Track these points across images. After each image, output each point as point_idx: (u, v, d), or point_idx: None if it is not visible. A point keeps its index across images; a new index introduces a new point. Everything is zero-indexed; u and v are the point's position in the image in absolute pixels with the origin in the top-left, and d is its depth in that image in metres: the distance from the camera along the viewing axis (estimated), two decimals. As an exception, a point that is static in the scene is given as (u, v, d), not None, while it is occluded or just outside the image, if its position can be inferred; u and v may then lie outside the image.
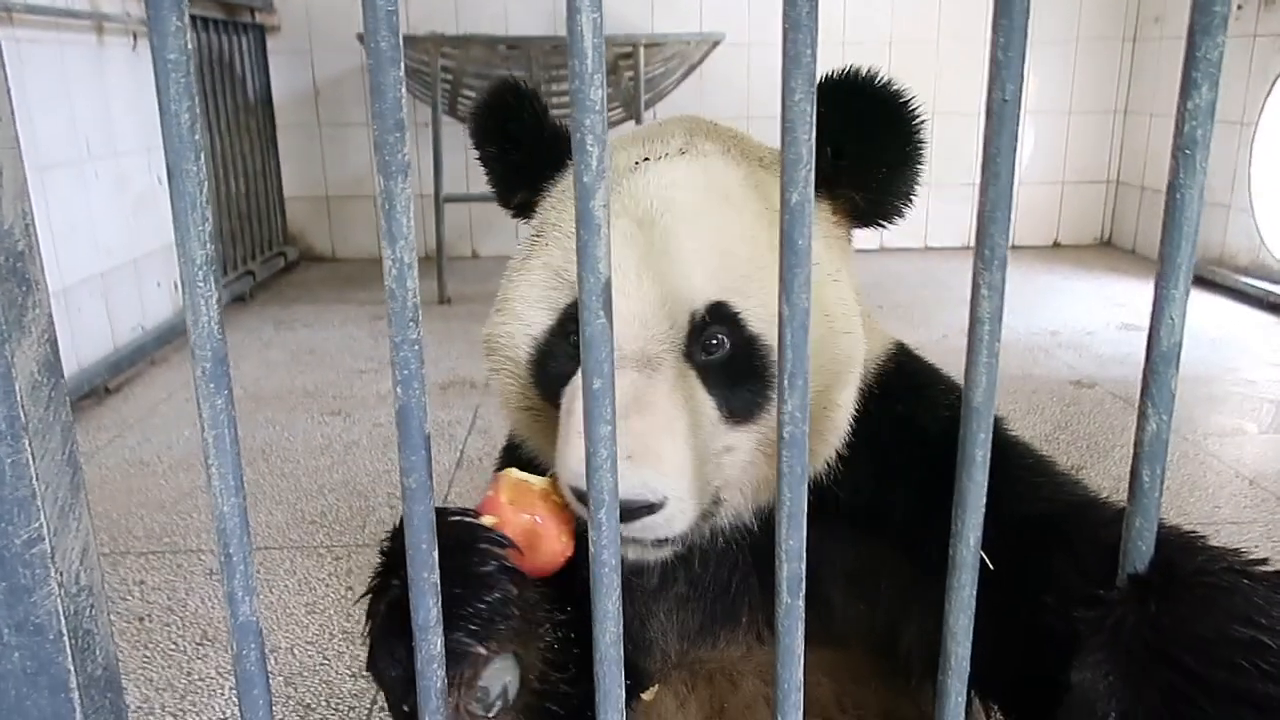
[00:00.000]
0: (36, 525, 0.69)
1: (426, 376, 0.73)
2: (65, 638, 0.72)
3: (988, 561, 0.78)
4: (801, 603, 0.75)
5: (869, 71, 1.02)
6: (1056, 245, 6.11)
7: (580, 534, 0.99)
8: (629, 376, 0.94)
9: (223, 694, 1.95)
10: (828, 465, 1.08)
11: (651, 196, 1.01)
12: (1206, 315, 4.43)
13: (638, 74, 4.48)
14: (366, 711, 1.89)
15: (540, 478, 1.00)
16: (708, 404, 0.98)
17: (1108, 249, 6.08)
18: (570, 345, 1.02)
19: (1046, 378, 3.70)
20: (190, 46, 0.65)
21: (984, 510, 0.75)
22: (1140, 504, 0.76)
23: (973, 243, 0.71)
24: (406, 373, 0.71)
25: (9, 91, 0.68)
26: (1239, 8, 4.83)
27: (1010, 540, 0.93)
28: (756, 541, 1.12)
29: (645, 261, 0.98)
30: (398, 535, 0.93)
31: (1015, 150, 0.67)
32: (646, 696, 1.15)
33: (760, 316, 0.99)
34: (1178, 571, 0.80)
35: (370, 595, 0.93)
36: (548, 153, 1.14)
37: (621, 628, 0.76)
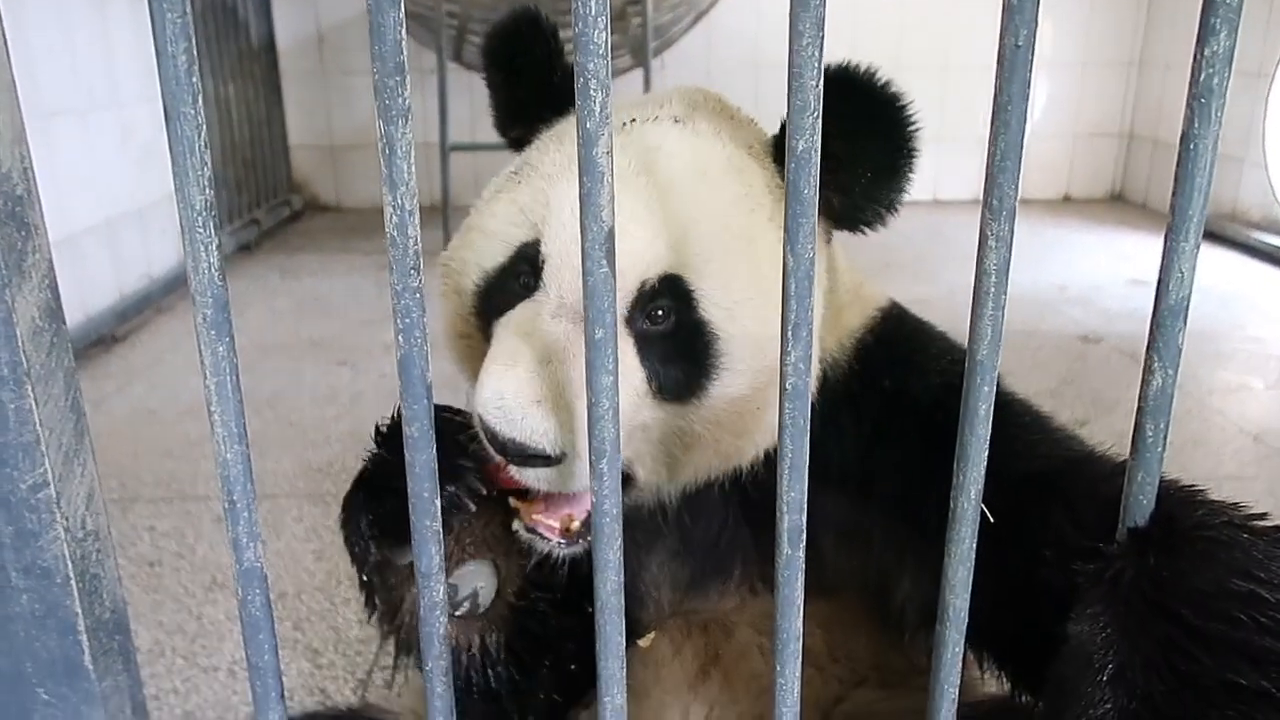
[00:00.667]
0: (41, 470, 0.69)
1: (429, 326, 0.72)
2: (72, 581, 0.72)
3: (988, 514, 0.79)
4: (802, 554, 0.75)
5: (867, 68, 0.98)
6: (1067, 199, 6.04)
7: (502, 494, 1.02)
8: (563, 326, 0.94)
9: (232, 637, 1.98)
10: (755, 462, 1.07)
11: (631, 157, 0.99)
12: (1216, 270, 4.40)
13: (645, 20, 4.42)
14: (374, 656, 1.92)
15: None
16: (636, 374, 0.97)
17: (1118, 203, 6.01)
18: (518, 284, 1.01)
19: (1053, 332, 3.69)
20: (187, -13, 0.63)
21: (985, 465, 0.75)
22: (1143, 458, 0.76)
23: (981, 195, 0.70)
24: (408, 321, 0.71)
25: (5, 36, 0.67)
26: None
27: (1008, 496, 0.93)
28: (747, 497, 1.12)
29: None
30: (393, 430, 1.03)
31: (1027, 99, 0.66)
32: (643, 643, 1.17)
33: (714, 301, 0.97)
34: (1177, 525, 0.80)
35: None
36: (553, 94, 1.11)
37: (623, 576, 0.76)
